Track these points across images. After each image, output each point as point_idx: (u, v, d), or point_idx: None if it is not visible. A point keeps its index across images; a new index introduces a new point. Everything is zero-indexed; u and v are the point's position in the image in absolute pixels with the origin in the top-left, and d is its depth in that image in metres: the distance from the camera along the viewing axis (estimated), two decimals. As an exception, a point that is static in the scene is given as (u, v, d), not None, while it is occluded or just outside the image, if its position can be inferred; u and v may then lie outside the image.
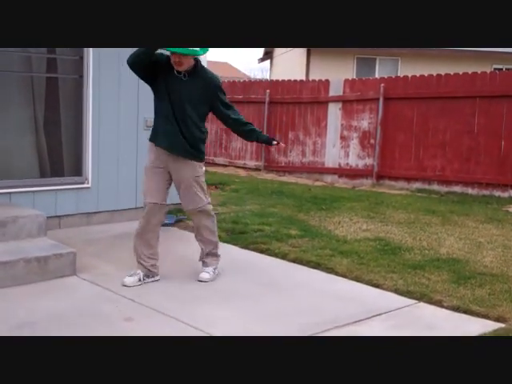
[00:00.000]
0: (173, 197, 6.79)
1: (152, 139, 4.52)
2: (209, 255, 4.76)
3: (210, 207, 4.72)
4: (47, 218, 5.17)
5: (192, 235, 6.11)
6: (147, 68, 4.34)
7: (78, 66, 6.03)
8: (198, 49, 4.32)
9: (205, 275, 4.64)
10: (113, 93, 6.23)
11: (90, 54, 6.00)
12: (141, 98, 6.42)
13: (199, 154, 4.54)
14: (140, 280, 4.50)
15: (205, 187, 4.65)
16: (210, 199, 4.72)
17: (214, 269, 4.73)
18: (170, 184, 4.61)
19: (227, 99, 4.62)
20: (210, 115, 4.72)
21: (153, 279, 4.57)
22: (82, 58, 6.00)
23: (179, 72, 4.37)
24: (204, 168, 4.75)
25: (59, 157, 6.14)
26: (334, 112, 11.25)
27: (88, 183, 6.15)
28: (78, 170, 6.14)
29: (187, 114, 4.38)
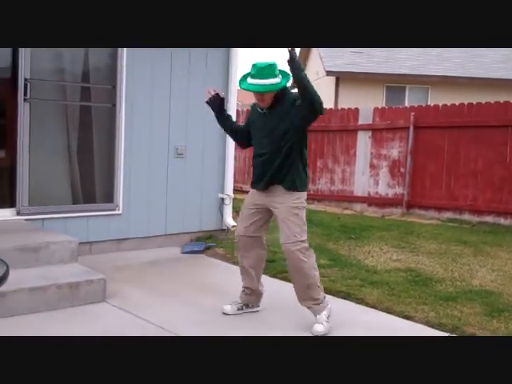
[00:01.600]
0: (202, 224, 6.87)
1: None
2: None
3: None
4: (79, 243, 5.23)
5: (220, 262, 6.16)
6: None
7: (111, 95, 6.15)
8: (275, 81, 4.15)
9: (317, 327, 4.17)
10: (145, 121, 6.33)
11: (123, 83, 6.11)
12: (172, 127, 6.52)
13: None
14: (239, 309, 4.56)
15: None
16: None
17: (327, 317, 4.25)
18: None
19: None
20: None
21: (251, 310, 4.60)
22: (114, 87, 6.11)
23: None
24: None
25: (91, 184, 6.22)
26: (364, 140, 11.22)
27: (119, 210, 6.21)
28: (109, 197, 6.22)
29: None
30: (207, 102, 4.45)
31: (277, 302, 4.82)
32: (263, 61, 4.18)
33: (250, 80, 4.17)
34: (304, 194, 4.29)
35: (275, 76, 4.13)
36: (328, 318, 4.24)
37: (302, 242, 4.22)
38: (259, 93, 4.17)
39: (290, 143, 4.15)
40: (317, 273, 4.31)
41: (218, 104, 4.43)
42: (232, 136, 4.72)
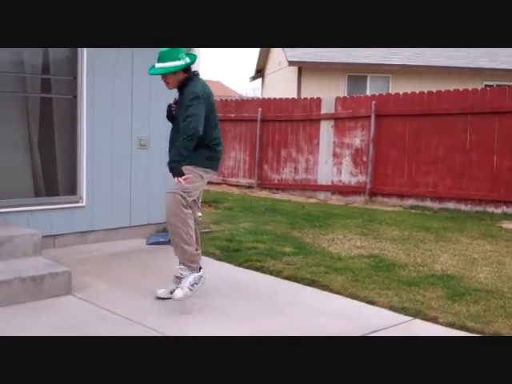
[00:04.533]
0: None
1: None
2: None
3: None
4: (42, 237, 5.17)
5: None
6: None
7: (72, 86, 6.06)
8: (174, 64, 4.26)
9: (176, 293, 4.29)
10: (107, 112, 6.26)
11: (84, 74, 6.02)
12: (134, 118, 6.47)
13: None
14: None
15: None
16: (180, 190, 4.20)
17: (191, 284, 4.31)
18: None
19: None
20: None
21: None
22: (75, 78, 6.03)
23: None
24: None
25: (54, 176, 6.14)
26: (326, 129, 11.32)
27: (83, 202, 6.15)
28: (72, 189, 6.15)
29: None
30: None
31: (244, 290, 4.87)
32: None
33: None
34: None
35: (177, 59, 4.27)
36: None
37: None
38: (161, 76, 4.33)
39: None
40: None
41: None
42: None
